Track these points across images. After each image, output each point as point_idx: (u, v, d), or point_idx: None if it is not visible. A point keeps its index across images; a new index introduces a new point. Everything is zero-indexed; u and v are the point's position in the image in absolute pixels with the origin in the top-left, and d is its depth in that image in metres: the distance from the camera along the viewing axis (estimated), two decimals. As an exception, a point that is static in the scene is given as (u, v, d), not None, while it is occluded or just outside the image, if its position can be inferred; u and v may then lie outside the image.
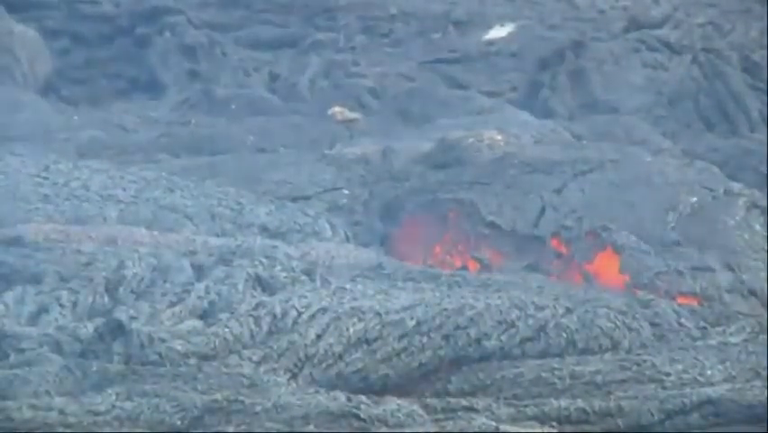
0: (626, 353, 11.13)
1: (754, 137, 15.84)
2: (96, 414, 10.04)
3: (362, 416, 10.02)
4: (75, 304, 11.07)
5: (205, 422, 10.02)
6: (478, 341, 11.13)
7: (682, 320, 11.53)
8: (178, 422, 10.00)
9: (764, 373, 11.13)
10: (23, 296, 11.20)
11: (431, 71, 15.61)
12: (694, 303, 11.69)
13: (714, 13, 17.65)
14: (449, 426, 10.18)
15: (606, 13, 17.25)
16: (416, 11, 16.05)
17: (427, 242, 12.31)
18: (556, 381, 10.99)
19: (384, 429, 10.06)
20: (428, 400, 10.61)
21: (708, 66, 17.01)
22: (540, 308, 11.40)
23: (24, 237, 11.54)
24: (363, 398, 10.31)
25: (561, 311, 11.41)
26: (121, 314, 10.90)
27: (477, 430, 10.12)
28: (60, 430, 10.03)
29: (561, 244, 12.25)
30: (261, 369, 10.76)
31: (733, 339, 11.37)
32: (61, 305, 11.05)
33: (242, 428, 9.92)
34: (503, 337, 11.19)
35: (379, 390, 10.73)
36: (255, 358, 10.84)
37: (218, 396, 10.20)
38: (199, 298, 11.29)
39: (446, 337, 11.11)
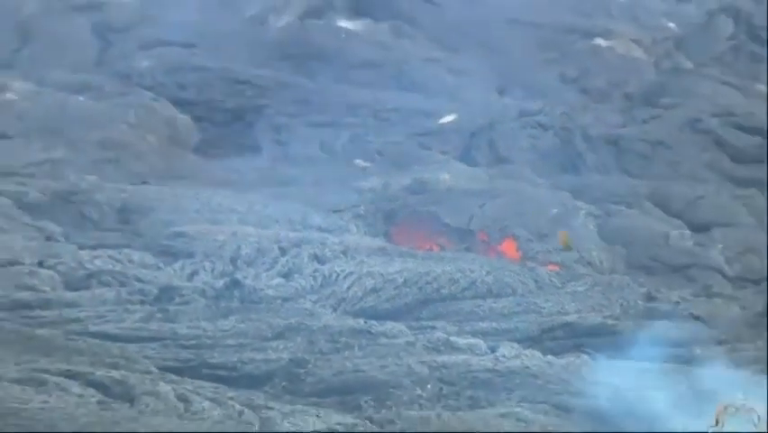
0: (520, 296, 11.33)
1: (591, 176, 15.21)
2: (224, 331, 10.25)
3: (372, 331, 10.33)
4: (213, 270, 11.45)
5: (285, 336, 10.12)
6: (438, 290, 11.38)
7: (552, 278, 11.77)
8: (269, 335, 10.16)
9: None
10: (184, 265, 11.59)
11: (411, 140, 15.76)
12: (557, 269, 11.98)
13: (572, 97, 17.54)
14: (420, 337, 10.25)
15: (506, 107, 17.03)
16: (403, 106, 16.33)
17: (410, 235, 12.61)
18: (480, 312, 11.10)
19: (384, 340, 10.12)
20: (410, 323, 10.84)
21: (565, 134, 16.14)
22: (472, 272, 11.57)
23: (187, 231, 11.94)
24: (374, 322, 10.60)
25: (484, 273, 11.58)
26: (239, 275, 11.24)
27: (436, 340, 10.10)
28: (204, 342, 10.04)
29: (483, 235, 12.58)
30: (317, 306, 11.02)
31: (579, 288, 11.56)
32: (205, 270, 11.44)
33: (305, 339, 9.97)
34: (452, 288, 11.45)
35: (382, 317, 10.91)
36: (313, 299, 11.12)
37: (292, 321, 10.43)
38: (282, 266, 11.60)
39: (420, 288, 11.35)
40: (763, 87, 17.24)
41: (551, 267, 11.85)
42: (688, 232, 13.07)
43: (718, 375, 9.42)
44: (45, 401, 8.37)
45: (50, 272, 10.91)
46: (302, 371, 9.39)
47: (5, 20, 17.56)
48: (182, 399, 8.65)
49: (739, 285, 11.74)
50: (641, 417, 8.62)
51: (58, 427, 8.05)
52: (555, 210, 12.81)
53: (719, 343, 10.47)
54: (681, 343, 10.28)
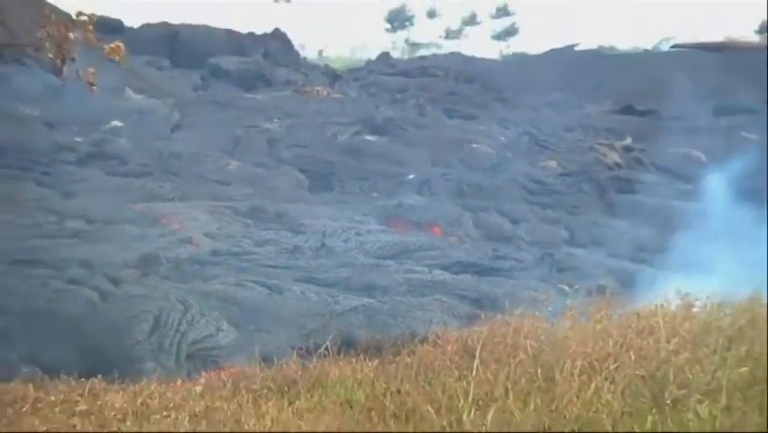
0: (442, 250, 10.34)
1: (469, 201, 13.07)
2: (319, 264, 9.17)
3: (380, 265, 9.41)
4: (315, 239, 10.38)
5: (344, 266, 9.07)
6: (407, 247, 10.39)
7: (454, 243, 10.85)
8: (337, 266, 9.12)
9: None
10: (302, 237, 10.39)
11: (396, 185, 14.26)
12: (457, 239, 11.02)
13: (461, 168, 15.36)
14: (400, 267, 9.29)
15: (435, 172, 15.02)
16: (393, 172, 14.65)
17: (397, 225, 11.71)
18: (425, 256, 10.01)
19: (384, 268, 9.16)
20: (396, 261, 9.72)
21: (458, 185, 13.87)
22: (421, 240, 10.61)
23: (304, 223, 10.93)
24: (380, 260, 9.63)
25: (425, 241, 10.64)
26: (325, 241, 10.26)
27: (406, 268, 9.15)
28: (311, 269, 8.94)
29: (426, 224, 11.69)
30: (357, 254, 9.94)
31: (466, 246, 10.63)
32: (311, 239, 10.26)
33: (352, 268, 8.98)
34: (413, 247, 10.39)
35: (384, 259, 9.87)
36: (356, 252, 10.10)
37: (347, 260, 9.40)
38: (343, 238, 10.58)
39: (400, 246, 10.39)
40: (552, 163, 15.82)
41: (454, 239, 10.97)
42: (510, 223, 12.44)
43: (521, 283, 8.96)
44: (242, 295, 7.90)
45: (248, 240, 10.17)
46: (351, 281, 8.81)
47: (259, 141, 16.34)
48: (302, 292, 8.26)
49: (534, 246, 11.12)
50: (493, 300, 8.09)
51: (243, 303, 7.62)
52: (456, 214, 11.86)
53: (523, 269, 9.75)
54: (509, 270, 9.73)
